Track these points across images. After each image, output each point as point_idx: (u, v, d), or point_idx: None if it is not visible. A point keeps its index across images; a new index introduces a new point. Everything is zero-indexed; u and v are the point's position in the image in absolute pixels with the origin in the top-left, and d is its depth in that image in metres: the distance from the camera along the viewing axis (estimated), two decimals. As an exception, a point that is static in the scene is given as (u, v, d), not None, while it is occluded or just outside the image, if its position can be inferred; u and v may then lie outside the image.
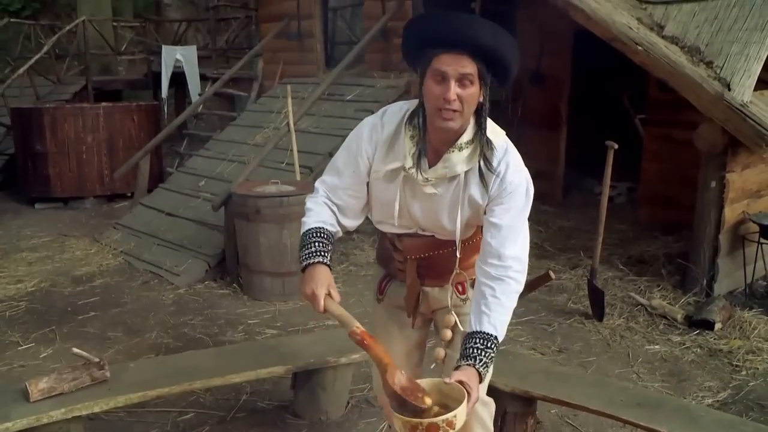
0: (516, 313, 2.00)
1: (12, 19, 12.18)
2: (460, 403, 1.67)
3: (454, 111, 1.84)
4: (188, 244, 5.84)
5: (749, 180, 4.98)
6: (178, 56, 9.78)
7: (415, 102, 2.00)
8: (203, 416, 3.44)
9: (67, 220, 7.48)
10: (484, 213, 1.97)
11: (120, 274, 5.66)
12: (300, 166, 5.64)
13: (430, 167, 1.95)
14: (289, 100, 5.64)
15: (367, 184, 2.08)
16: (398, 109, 2.04)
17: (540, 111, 7.27)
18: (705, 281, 4.87)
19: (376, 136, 2.02)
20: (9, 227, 7.17)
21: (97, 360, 2.84)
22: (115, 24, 12.80)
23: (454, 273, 2.10)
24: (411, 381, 1.79)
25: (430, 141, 1.95)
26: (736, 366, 3.95)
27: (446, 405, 1.72)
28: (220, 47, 11.46)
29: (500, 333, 1.89)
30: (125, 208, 7.42)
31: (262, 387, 3.65)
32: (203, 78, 9.81)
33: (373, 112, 6.55)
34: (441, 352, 2.20)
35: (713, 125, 4.52)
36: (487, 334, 1.87)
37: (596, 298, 4.63)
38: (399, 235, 2.11)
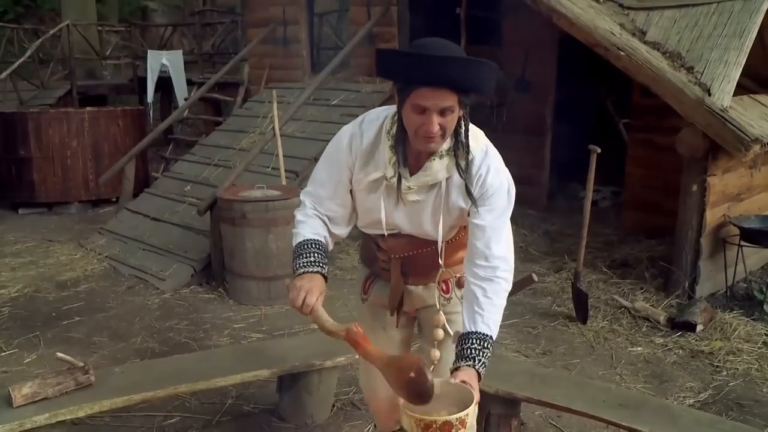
0: (500, 316, 2.03)
1: (-6, 23, 12.12)
2: (465, 402, 1.72)
3: (435, 137, 1.86)
4: (174, 248, 5.82)
5: (730, 184, 5.05)
6: (164, 61, 9.78)
7: (392, 108, 2.01)
8: (188, 420, 3.44)
9: (51, 226, 7.43)
10: (468, 215, 2.00)
11: (105, 279, 5.63)
12: (285, 170, 5.63)
13: (411, 175, 1.97)
14: (275, 105, 5.65)
15: (351, 191, 2.10)
16: (376, 117, 2.04)
17: (525, 117, 7.32)
18: (687, 284, 4.93)
19: (355, 146, 2.02)
20: (-8, 233, 7.13)
21: (81, 364, 2.84)
22: (100, 28, 12.76)
23: (441, 271, 2.12)
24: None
25: (410, 150, 1.96)
26: (717, 367, 4.00)
27: (449, 405, 1.76)
28: (206, 52, 11.45)
29: (494, 332, 1.93)
30: (110, 213, 7.39)
31: (248, 390, 3.66)
32: (189, 83, 9.80)
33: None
34: (436, 353, 2.20)
35: (694, 130, 4.59)
36: (483, 334, 1.90)
37: (580, 300, 4.67)
38: (383, 235, 2.12)
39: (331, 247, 2.13)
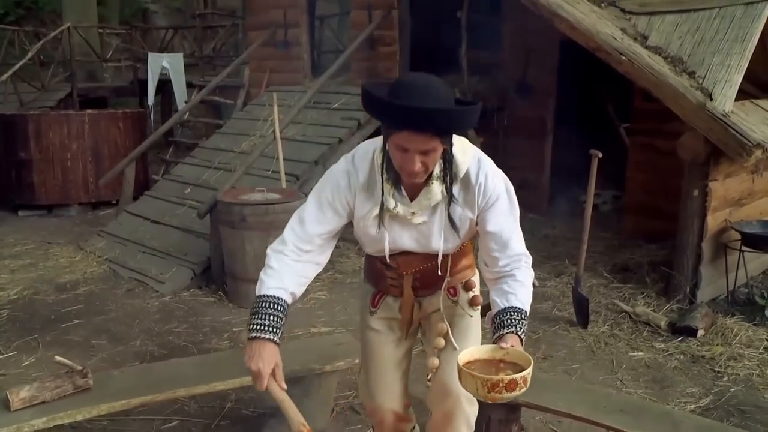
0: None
1: (-5, 25, 12.13)
2: (519, 363, 1.85)
3: (418, 174, 1.91)
4: (174, 251, 5.81)
5: (731, 189, 5.04)
6: (165, 63, 9.78)
7: (378, 141, 2.05)
8: (187, 424, 3.42)
9: (51, 228, 7.42)
10: (476, 224, 2.07)
11: (104, 281, 5.62)
12: (286, 173, 5.62)
13: (412, 200, 2.03)
14: (275, 108, 5.64)
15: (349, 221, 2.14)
16: (365, 152, 2.07)
17: (526, 120, 7.32)
18: (688, 288, 4.92)
19: (353, 183, 2.05)
20: (-8, 235, 7.11)
21: (80, 368, 2.82)
22: (101, 31, 12.77)
23: (446, 281, 2.20)
24: None
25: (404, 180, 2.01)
26: (718, 372, 3.99)
27: (505, 367, 1.87)
28: (207, 55, 11.45)
29: (527, 308, 2.03)
30: (110, 216, 7.38)
31: (247, 395, 3.64)
32: (189, 85, 9.80)
33: (359, 120, 6.56)
34: (435, 361, 2.30)
35: (696, 135, 4.58)
36: (518, 308, 2.00)
37: (581, 305, 4.66)
38: (391, 255, 2.16)
39: (300, 294, 2.11)
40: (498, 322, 1.99)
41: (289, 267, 2.05)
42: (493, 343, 1.95)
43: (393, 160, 1.92)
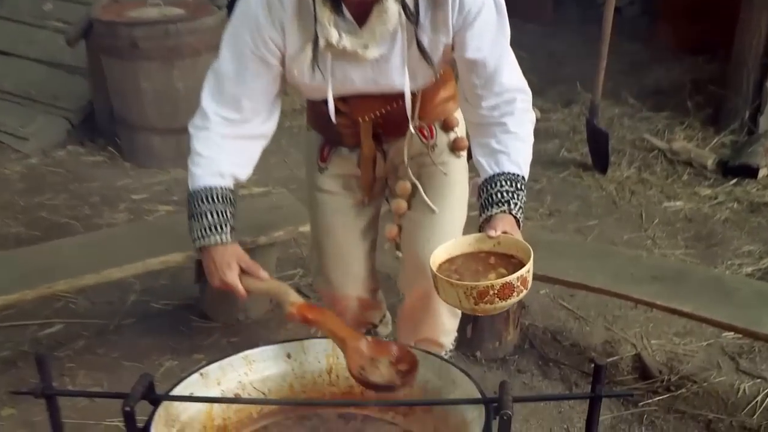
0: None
1: None
2: (517, 256, 1.77)
3: None
4: (37, 95, 5.70)
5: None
6: None
7: None
8: (75, 327, 3.42)
9: None
10: (453, 50, 1.97)
11: (-63, 141, 5.50)
12: (190, -23, 5.39)
13: (361, 27, 1.90)
14: None
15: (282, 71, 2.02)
16: None
17: None
18: (747, 114, 4.96)
19: (277, 15, 1.91)
20: None
21: None
22: None
23: (416, 123, 2.15)
24: (376, 347, 1.81)
25: None
26: (786, 224, 4.10)
27: (496, 263, 1.79)
28: None
29: (525, 172, 1.98)
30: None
31: (157, 282, 3.65)
32: None
33: None
34: (393, 229, 2.35)
35: None
36: (512, 173, 1.94)
37: (598, 143, 4.68)
38: (341, 98, 2.07)
39: (246, 176, 2.09)
40: (485, 197, 1.94)
41: (220, 146, 2.00)
42: (480, 226, 1.89)
43: None
